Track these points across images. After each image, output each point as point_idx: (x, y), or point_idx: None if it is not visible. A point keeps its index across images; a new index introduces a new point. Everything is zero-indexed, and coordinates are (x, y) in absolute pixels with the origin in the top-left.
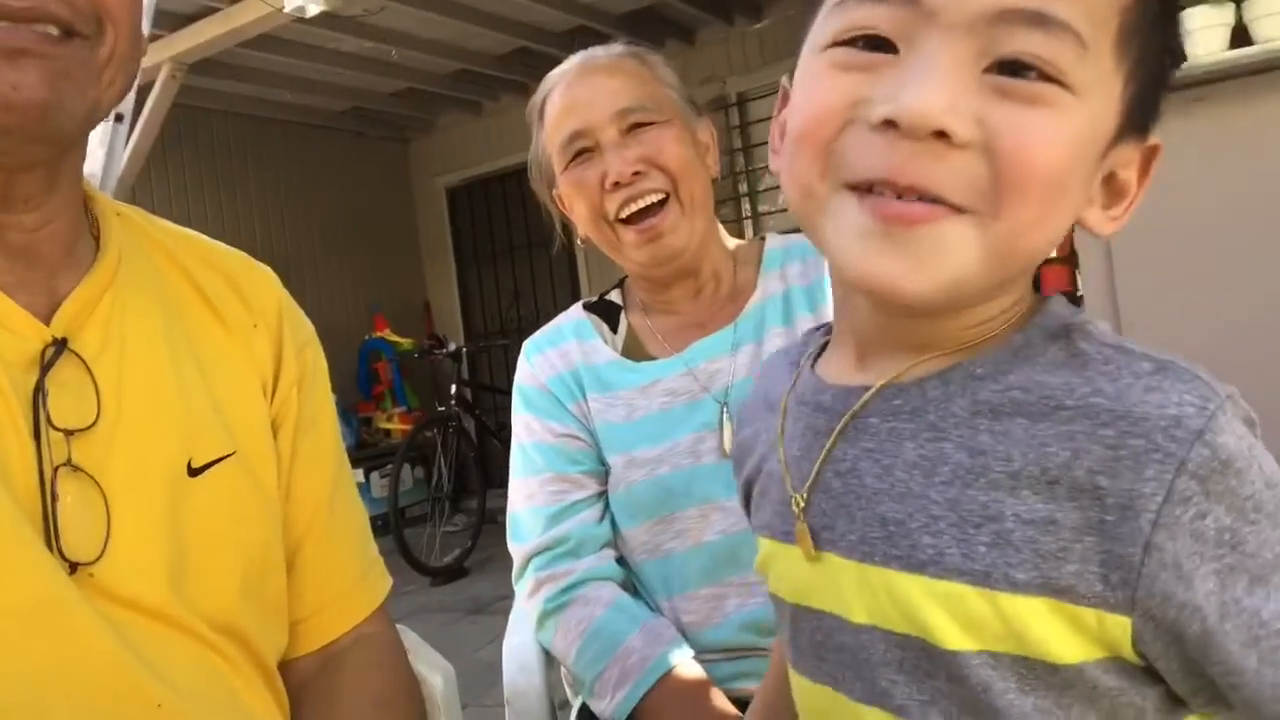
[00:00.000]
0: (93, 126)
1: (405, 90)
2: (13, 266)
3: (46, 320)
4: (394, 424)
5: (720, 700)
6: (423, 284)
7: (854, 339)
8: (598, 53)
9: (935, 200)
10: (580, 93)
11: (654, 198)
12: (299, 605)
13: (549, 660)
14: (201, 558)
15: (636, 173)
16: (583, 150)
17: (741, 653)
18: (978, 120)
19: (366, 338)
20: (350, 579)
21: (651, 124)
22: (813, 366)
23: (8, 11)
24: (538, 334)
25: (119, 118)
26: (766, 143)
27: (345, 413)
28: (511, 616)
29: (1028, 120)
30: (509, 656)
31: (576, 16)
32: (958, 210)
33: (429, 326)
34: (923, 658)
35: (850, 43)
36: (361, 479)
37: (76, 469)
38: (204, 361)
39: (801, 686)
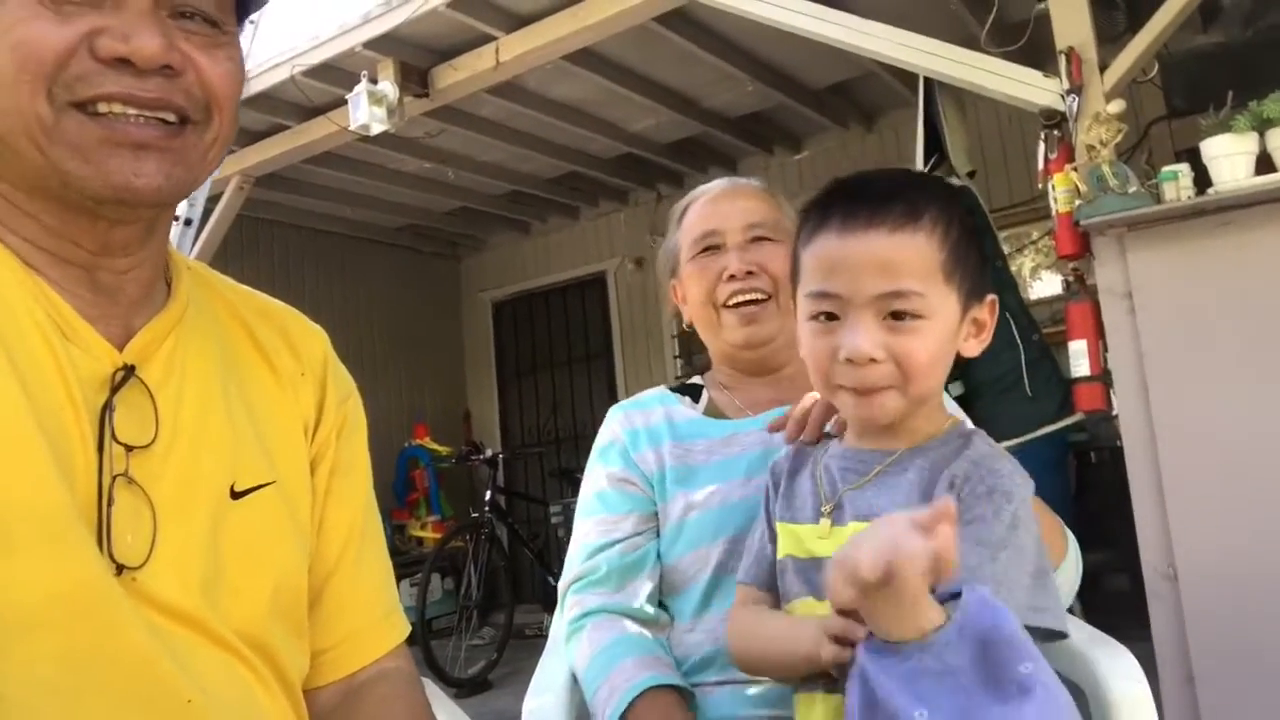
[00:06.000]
0: (192, 191)
1: (459, 209)
2: (97, 300)
3: (120, 348)
4: (427, 532)
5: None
6: (464, 394)
7: (857, 432)
8: (740, 180)
9: (877, 389)
10: (721, 205)
11: (759, 295)
12: (326, 635)
13: None
14: (236, 574)
15: (750, 272)
16: (711, 246)
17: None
18: (884, 346)
19: (406, 445)
20: (375, 614)
21: (770, 239)
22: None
23: (137, 101)
24: (624, 401)
25: (188, 222)
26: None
27: None
28: (533, 680)
29: (908, 341)
30: (528, 717)
31: (624, 145)
32: (889, 387)
33: (468, 435)
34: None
35: (816, 317)
36: None
37: (131, 481)
38: (252, 401)
39: (804, 605)
